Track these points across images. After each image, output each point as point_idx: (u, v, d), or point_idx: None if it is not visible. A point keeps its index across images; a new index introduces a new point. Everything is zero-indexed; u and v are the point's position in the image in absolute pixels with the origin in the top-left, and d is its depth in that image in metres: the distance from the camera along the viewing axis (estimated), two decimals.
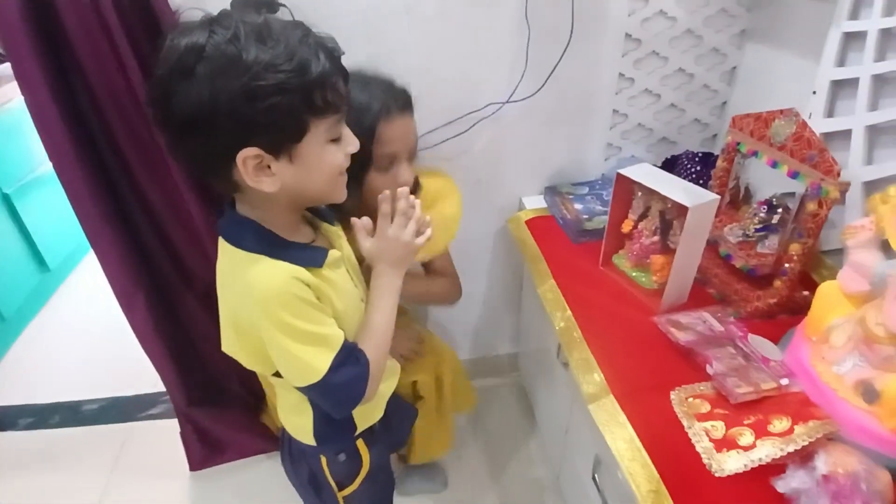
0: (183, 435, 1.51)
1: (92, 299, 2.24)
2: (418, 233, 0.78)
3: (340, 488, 0.90)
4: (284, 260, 0.66)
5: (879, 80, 0.90)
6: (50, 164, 1.06)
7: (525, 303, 1.52)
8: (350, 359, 0.69)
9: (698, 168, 1.17)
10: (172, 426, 1.58)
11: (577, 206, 1.22)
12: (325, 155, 0.64)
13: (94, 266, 2.46)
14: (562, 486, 1.31)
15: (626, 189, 0.98)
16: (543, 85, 1.17)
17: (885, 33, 0.88)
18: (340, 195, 0.70)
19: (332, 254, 0.71)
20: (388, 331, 0.77)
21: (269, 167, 0.61)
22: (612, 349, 0.89)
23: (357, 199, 0.87)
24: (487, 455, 1.52)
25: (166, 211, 1.22)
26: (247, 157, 0.59)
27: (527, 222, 1.27)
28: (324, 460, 0.87)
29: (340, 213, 0.83)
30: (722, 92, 1.25)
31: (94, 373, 1.90)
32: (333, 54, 0.61)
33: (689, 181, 1.14)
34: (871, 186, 0.91)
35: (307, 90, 0.58)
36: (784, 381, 0.75)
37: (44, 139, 1.02)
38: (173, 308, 1.36)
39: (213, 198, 1.15)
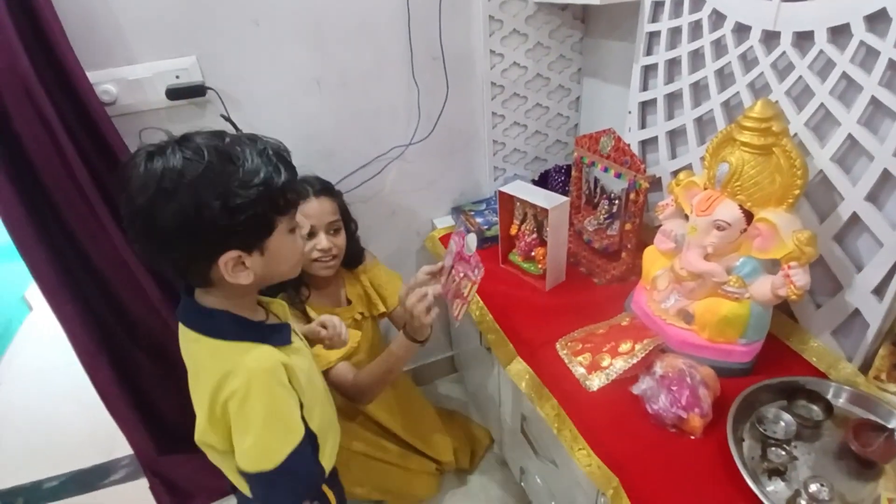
0: (153, 489, 1.57)
1: (23, 388, 2.24)
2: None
3: None
4: (268, 343, 0.74)
5: (671, 98, 1.22)
6: None
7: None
8: (301, 459, 0.75)
9: (563, 178, 1.50)
10: (136, 487, 1.65)
11: (478, 219, 1.50)
12: (288, 243, 0.74)
13: (18, 359, 2.43)
14: (505, 451, 1.56)
15: (508, 202, 1.27)
16: (434, 128, 1.45)
17: (670, 63, 1.18)
18: (297, 273, 0.80)
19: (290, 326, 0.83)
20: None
21: (243, 263, 0.70)
22: (515, 323, 1.15)
23: None
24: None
25: (114, 276, 1.33)
26: (228, 260, 0.68)
27: (440, 239, 1.53)
28: None
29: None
30: (572, 118, 1.60)
31: (44, 453, 1.90)
32: (287, 159, 0.71)
33: (559, 189, 1.46)
34: (676, 174, 1.26)
35: (275, 198, 0.68)
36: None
37: (7, 224, 1.13)
38: (131, 366, 1.46)
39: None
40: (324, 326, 1.00)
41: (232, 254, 0.68)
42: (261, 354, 0.73)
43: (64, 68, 1.05)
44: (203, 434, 0.75)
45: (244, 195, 0.65)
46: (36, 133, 1.09)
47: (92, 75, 1.08)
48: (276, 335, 0.78)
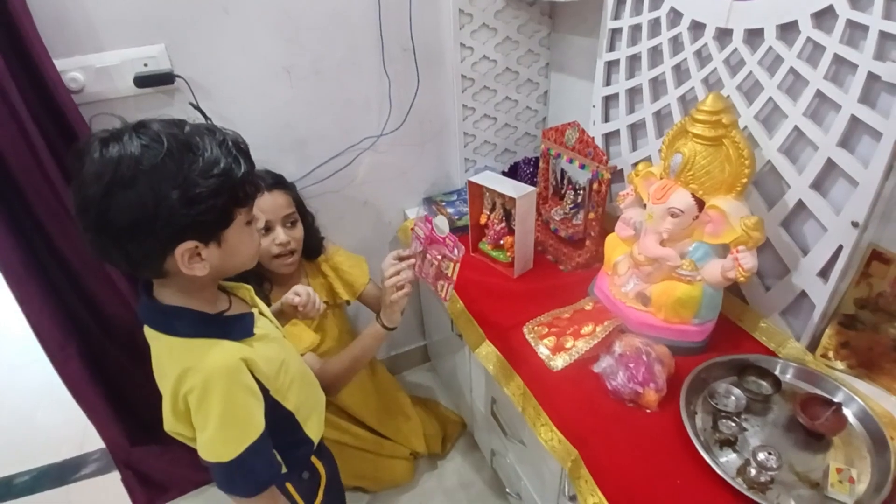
0: (125, 481, 1.56)
1: None
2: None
3: None
4: (227, 338, 0.74)
5: (632, 92, 1.26)
6: None
7: (423, 298, 1.79)
8: (257, 456, 0.75)
9: (532, 169, 1.53)
10: (108, 481, 1.64)
11: (450, 209, 1.53)
12: (245, 236, 0.74)
13: None
14: (477, 435, 1.60)
15: (477, 191, 1.30)
16: (405, 120, 1.47)
17: (632, 59, 1.22)
18: (252, 265, 0.78)
19: (254, 313, 0.82)
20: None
21: (199, 255, 0.68)
22: (484, 309, 1.19)
23: None
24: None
25: (83, 267, 1.32)
26: (184, 251, 0.66)
27: (412, 229, 1.55)
28: (290, 486, 0.90)
29: None
30: (541, 111, 1.64)
31: (15, 449, 1.87)
32: (246, 151, 0.71)
33: (528, 181, 1.50)
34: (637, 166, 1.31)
35: (234, 189, 0.68)
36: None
37: None
38: (102, 358, 1.44)
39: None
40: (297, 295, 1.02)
41: (188, 244, 0.67)
42: (220, 353, 0.73)
43: (31, 57, 1.03)
44: (170, 425, 0.77)
45: (204, 185, 0.64)
46: (3, 123, 1.07)
47: (59, 63, 1.07)
48: (236, 327, 0.77)
